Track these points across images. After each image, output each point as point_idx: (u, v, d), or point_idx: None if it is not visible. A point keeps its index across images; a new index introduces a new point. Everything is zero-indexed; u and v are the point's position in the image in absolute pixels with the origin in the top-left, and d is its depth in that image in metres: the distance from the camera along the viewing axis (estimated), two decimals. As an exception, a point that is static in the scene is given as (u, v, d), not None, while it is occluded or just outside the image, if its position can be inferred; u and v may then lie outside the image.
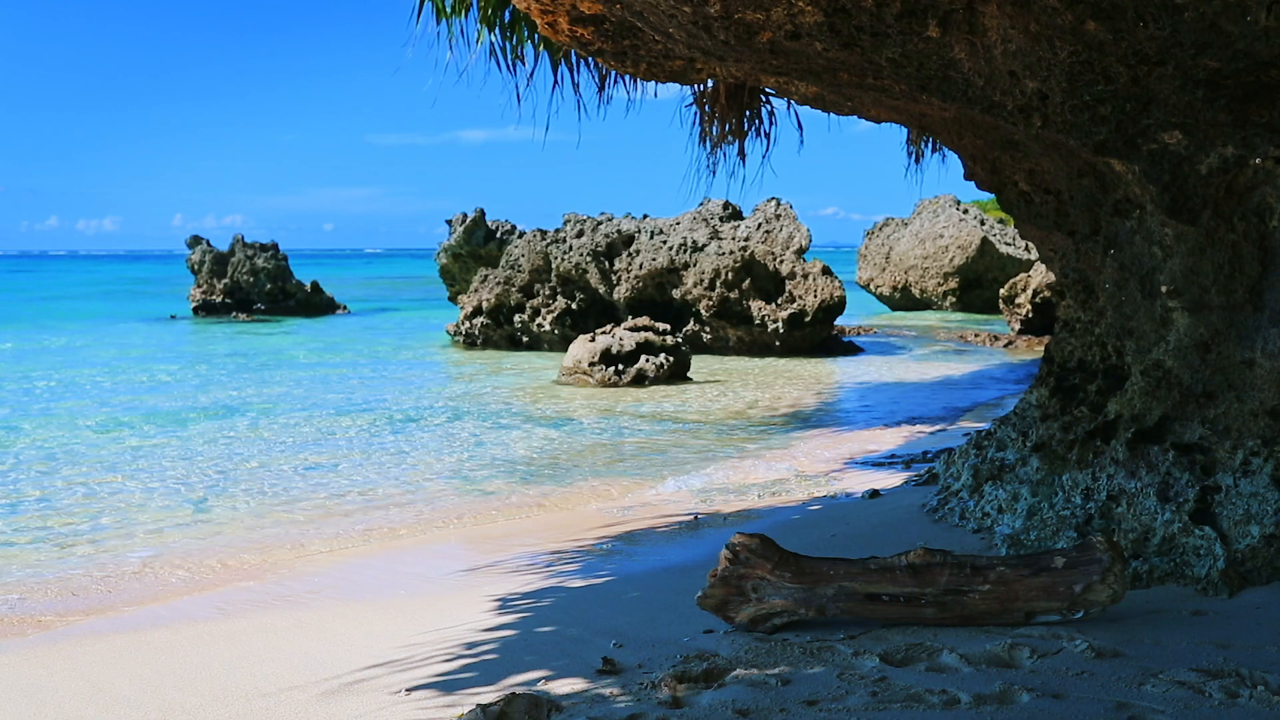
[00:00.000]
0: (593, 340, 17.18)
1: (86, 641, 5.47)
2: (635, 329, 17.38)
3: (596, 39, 5.77)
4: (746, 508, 8.30)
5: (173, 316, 34.12)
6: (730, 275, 21.05)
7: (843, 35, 4.51)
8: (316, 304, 35.92)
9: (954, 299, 32.89)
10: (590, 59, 7.08)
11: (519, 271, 22.80)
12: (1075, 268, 7.01)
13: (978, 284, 32.30)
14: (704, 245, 21.49)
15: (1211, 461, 5.27)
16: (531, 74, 7.47)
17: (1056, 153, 6.11)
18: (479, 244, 23.80)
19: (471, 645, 4.93)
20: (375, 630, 5.48)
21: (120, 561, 6.91)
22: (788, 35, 4.63)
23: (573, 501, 8.66)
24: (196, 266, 35.26)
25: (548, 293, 22.56)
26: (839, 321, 22.70)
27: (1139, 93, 4.54)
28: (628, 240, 22.30)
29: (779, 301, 21.10)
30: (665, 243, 21.83)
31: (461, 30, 7.19)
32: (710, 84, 7.79)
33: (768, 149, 8.31)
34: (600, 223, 22.80)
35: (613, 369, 16.62)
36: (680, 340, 17.92)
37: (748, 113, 8.15)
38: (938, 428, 12.15)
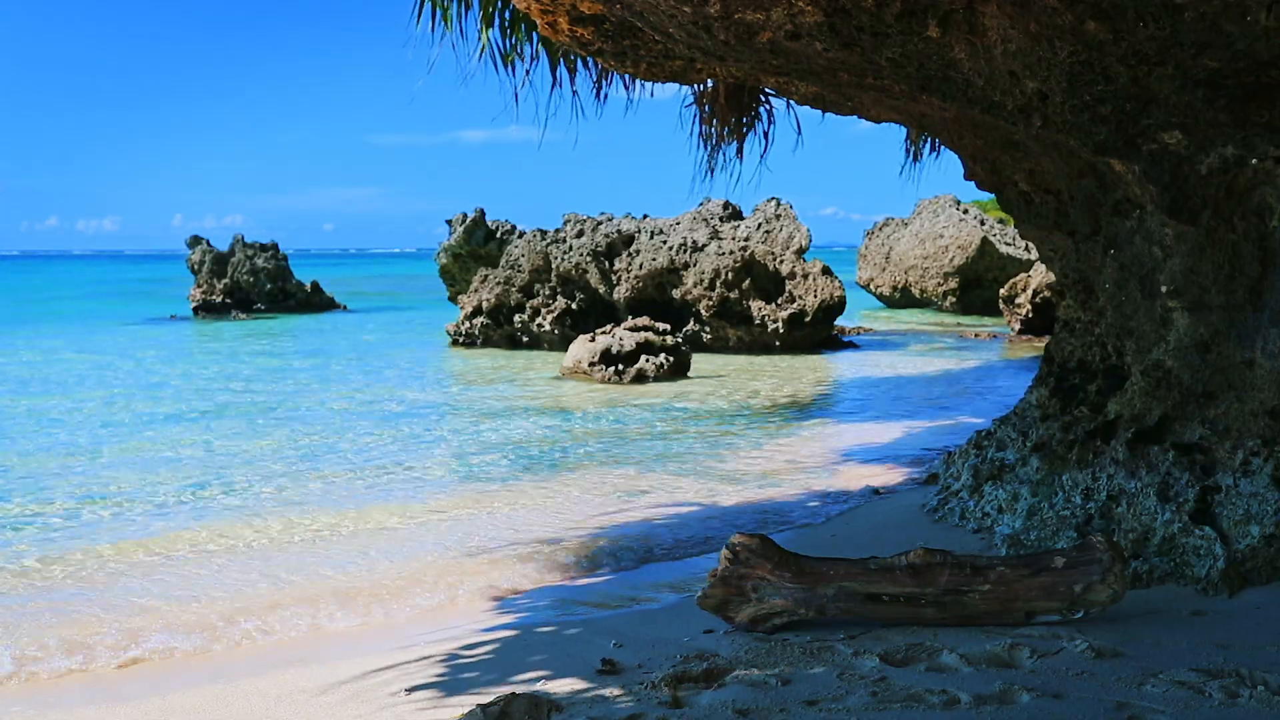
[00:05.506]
0: (593, 340, 17.17)
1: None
2: (635, 329, 17.37)
3: (596, 39, 5.77)
4: (745, 501, 8.30)
5: (173, 316, 34.10)
6: (730, 275, 21.04)
7: (843, 35, 4.51)
8: (316, 304, 35.92)
9: (954, 299, 32.86)
10: (589, 59, 7.08)
11: (519, 271, 22.79)
12: (1075, 268, 7.01)
13: (978, 284, 32.27)
14: (704, 245, 21.49)
15: (1211, 461, 5.27)
16: (529, 74, 7.47)
17: (1056, 153, 6.11)
18: (479, 244, 23.78)
19: (471, 645, 4.93)
20: (374, 628, 5.48)
21: (117, 553, 6.90)
22: (788, 35, 4.63)
23: (571, 495, 8.66)
24: (196, 266, 35.25)
25: (548, 293, 22.55)
26: (839, 321, 22.69)
27: (1139, 93, 4.54)
28: (628, 240, 22.29)
29: (779, 301, 21.09)
30: (665, 243, 21.82)
31: (461, 30, 7.19)
32: (710, 84, 7.79)
33: (766, 149, 8.32)
34: (600, 223, 22.78)
35: (613, 369, 16.61)
36: (680, 340, 17.91)
37: (748, 113, 8.15)
38: (937, 424, 12.14)
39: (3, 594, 6.26)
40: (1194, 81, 4.42)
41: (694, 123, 8.25)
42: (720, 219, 22.15)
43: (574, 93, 7.69)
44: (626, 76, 7.55)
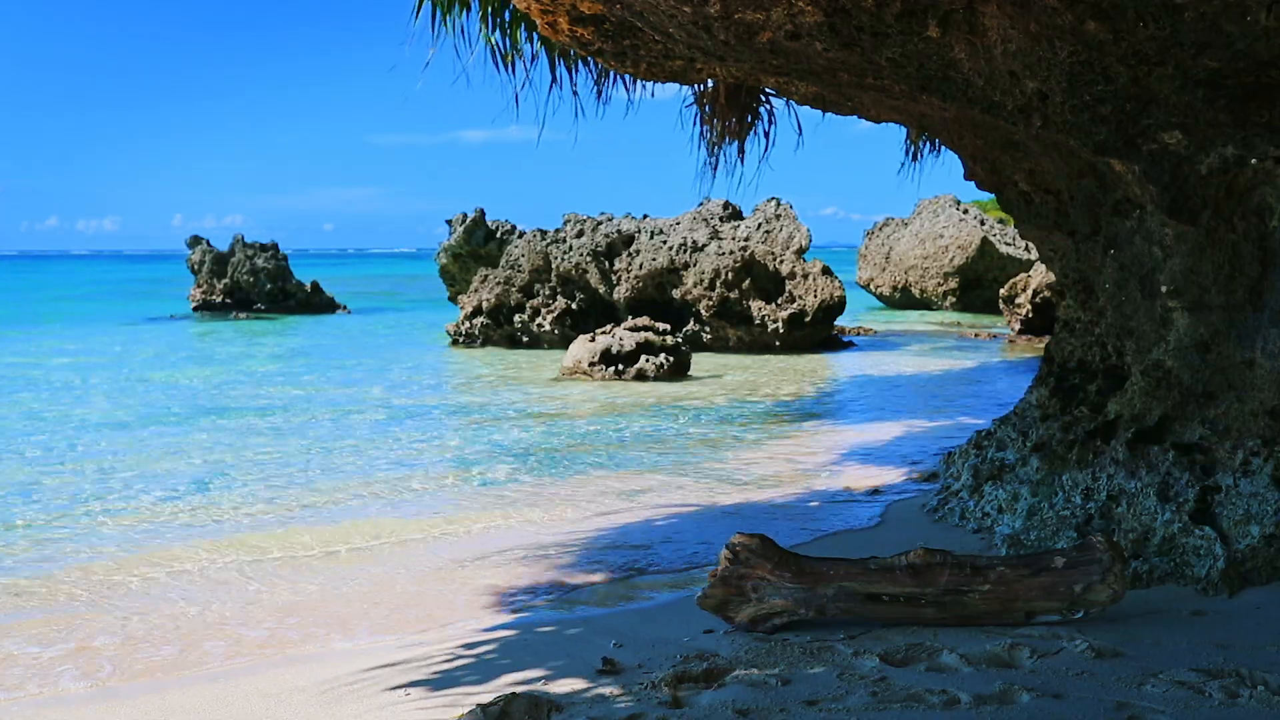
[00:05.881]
0: (593, 340, 17.17)
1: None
2: (635, 329, 17.37)
3: (596, 39, 5.77)
4: (745, 500, 8.30)
5: (173, 316, 34.10)
6: (730, 275, 21.05)
7: (843, 35, 4.51)
8: (316, 304, 35.89)
9: (954, 299, 32.88)
10: (589, 59, 7.08)
11: (519, 271, 22.80)
12: (1075, 268, 7.01)
13: (978, 284, 32.29)
14: (704, 245, 21.49)
15: (1211, 461, 5.27)
16: (529, 74, 7.48)
17: (1056, 153, 6.12)
18: (479, 244, 23.79)
19: (471, 645, 4.93)
20: (375, 628, 5.48)
21: (116, 553, 6.91)
22: (788, 35, 4.63)
23: (572, 494, 8.66)
24: (196, 266, 35.25)
25: (548, 293, 22.56)
26: (839, 321, 22.69)
27: (1139, 93, 4.54)
28: (628, 240, 22.30)
29: (779, 301, 21.10)
30: (665, 243, 21.83)
31: (461, 30, 7.20)
32: (710, 84, 7.79)
33: (766, 149, 8.32)
34: (600, 223, 22.79)
35: (613, 369, 16.62)
36: (680, 340, 17.91)
37: (748, 113, 8.15)
38: (937, 424, 12.14)
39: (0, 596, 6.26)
40: (1194, 81, 4.42)
41: (694, 123, 8.26)
42: (720, 219, 22.16)
43: (574, 93, 7.70)
44: (626, 76, 7.55)
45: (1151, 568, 5.07)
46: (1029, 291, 23.51)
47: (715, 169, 8.32)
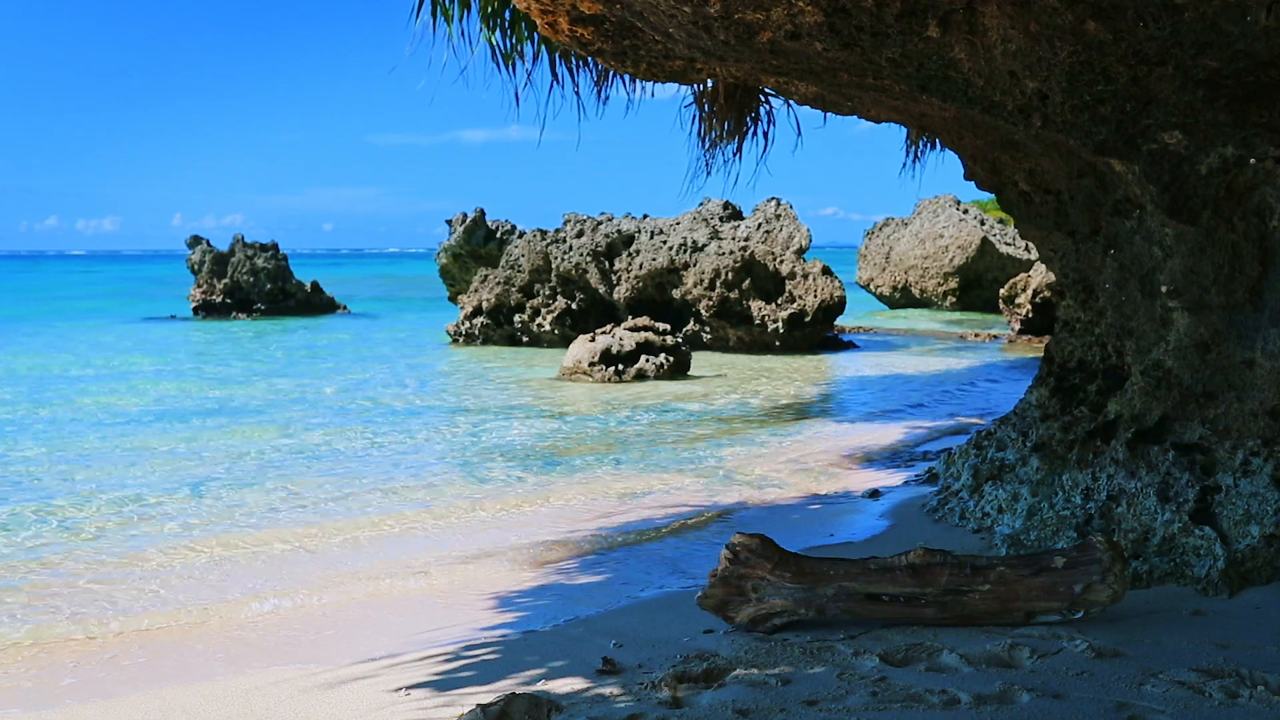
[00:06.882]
0: (593, 340, 17.17)
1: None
2: (635, 329, 17.38)
3: (596, 39, 5.77)
4: (745, 500, 8.30)
5: (173, 316, 34.10)
6: (730, 275, 21.05)
7: (843, 35, 4.51)
8: (316, 304, 35.87)
9: (954, 299, 32.88)
10: (590, 59, 7.08)
11: (519, 271, 22.80)
12: (1075, 268, 7.01)
13: (978, 284, 32.30)
14: (704, 245, 21.50)
15: (1211, 461, 5.27)
16: (530, 74, 7.48)
17: (1056, 153, 6.11)
18: (479, 244, 23.80)
19: (471, 645, 4.93)
20: (374, 628, 5.48)
21: (119, 554, 6.90)
22: (788, 35, 4.63)
23: (572, 494, 8.66)
24: (196, 266, 35.22)
25: (548, 293, 22.56)
26: (839, 321, 22.69)
27: (1139, 93, 4.54)
28: (628, 240, 22.30)
29: (779, 301, 21.10)
30: (665, 243, 21.83)
31: (462, 30, 7.20)
32: (710, 84, 7.79)
33: (765, 148, 8.32)
34: (600, 223, 22.80)
35: (613, 369, 16.62)
36: (680, 340, 17.92)
37: (748, 113, 8.15)
38: (937, 424, 12.15)
39: None
40: (1194, 81, 4.42)
41: (693, 123, 8.25)
42: (720, 219, 22.16)
43: (575, 93, 7.70)
44: (626, 76, 7.55)
45: (1151, 568, 5.07)
46: (1029, 291, 23.51)
47: (713, 169, 8.32)
